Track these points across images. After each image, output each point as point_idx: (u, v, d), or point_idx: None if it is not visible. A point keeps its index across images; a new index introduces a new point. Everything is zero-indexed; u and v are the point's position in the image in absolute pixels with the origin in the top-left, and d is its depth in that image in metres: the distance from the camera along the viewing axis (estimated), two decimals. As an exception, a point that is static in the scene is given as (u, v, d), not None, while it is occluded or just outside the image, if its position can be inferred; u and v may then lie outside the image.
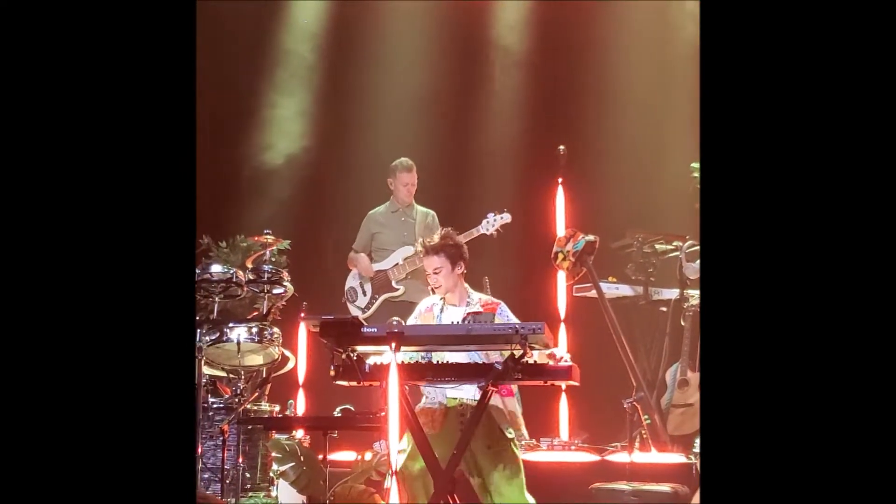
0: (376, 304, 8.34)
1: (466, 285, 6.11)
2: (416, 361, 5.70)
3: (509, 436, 5.80)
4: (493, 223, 7.81)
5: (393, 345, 5.43)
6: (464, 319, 5.76)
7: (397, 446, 5.53)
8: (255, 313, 7.70)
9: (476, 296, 6.09)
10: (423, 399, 5.96)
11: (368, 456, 6.49)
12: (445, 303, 6.07)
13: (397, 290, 8.34)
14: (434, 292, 6.13)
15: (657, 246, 8.70)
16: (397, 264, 8.34)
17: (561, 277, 7.99)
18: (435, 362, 5.65)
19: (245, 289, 7.33)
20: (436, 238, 6.06)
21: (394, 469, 5.45)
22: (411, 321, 6.16)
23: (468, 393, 5.78)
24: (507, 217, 7.86)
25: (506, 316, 5.94)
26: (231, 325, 6.99)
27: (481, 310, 5.90)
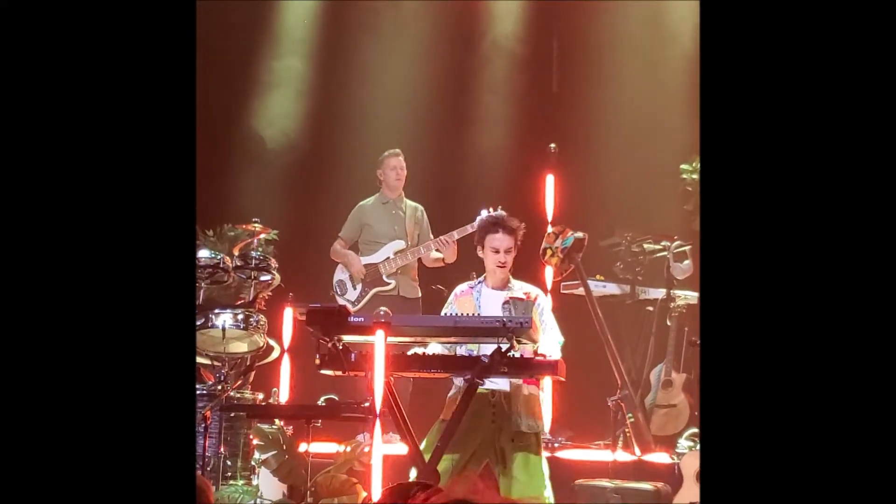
0: (366, 297, 8.29)
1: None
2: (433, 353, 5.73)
3: (534, 430, 5.77)
4: None
5: (380, 333, 5.43)
6: (504, 303, 5.74)
7: (379, 436, 5.52)
8: (241, 301, 7.67)
9: (518, 283, 6.05)
10: (453, 388, 5.93)
11: (349, 448, 6.47)
12: (485, 286, 6.03)
13: (388, 284, 8.29)
14: (496, 273, 6.00)
15: (645, 245, 8.71)
16: (388, 258, 8.30)
17: (548, 274, 7.97)
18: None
19: (232, 275, 7.30)
20: (506, 218, 6.04)
21: (377, 458, 5.45)
22: (447, 307, 6.13)
23: (501, 383, 5.72)
24: (502, 214, 7.75)
25: (541, 308, 5.95)
26: (217, 310, 6.97)
27: (523, 297, 5.88)
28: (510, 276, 6.05)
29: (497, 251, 5.96)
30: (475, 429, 5.69)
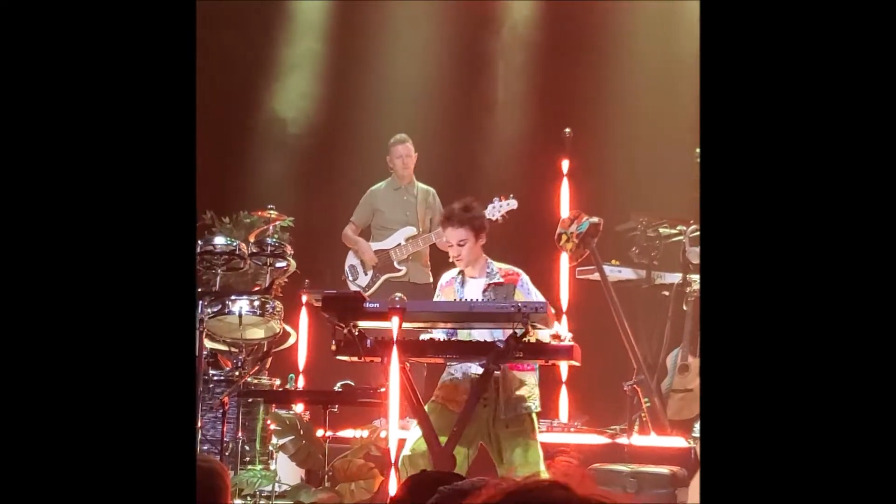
0: (378, 283, 8.31)
1: (485, 256, 5.98)
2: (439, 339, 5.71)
3: (529, 410, 5.76)
4: (498, 209, 7.68)
5: (395, 319, 5.45)
6: (484, 291, 5.72)
7: (397, 425, 5.54)
8: (258, 287, 7.70)
9: (496, 266, 5.94)
10: (446, 373, 5.93)
11: (366, 433, 6.51)
12: (465, 275, 5.96)
13: (399, 270, 8.30)
14: (456, 264, 5.98)
15: (661, 230, 8.68)
16: (399, 244, 8.31)
17: (564, 259, 7.97)
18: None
19: (248, 262, 7.33)
20: (457, 209, 5.90)
21: (393, 442, 5.47)
22: (434, 298, 6.12)
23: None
24: (513, 203, 7.71)
25: (526, 287, 5.88)
26: (233, 297, 7.00)
27: (502, 280, 5.83)
28: (488, 260, 5.96)
29: (451, 245, 5.91)
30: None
